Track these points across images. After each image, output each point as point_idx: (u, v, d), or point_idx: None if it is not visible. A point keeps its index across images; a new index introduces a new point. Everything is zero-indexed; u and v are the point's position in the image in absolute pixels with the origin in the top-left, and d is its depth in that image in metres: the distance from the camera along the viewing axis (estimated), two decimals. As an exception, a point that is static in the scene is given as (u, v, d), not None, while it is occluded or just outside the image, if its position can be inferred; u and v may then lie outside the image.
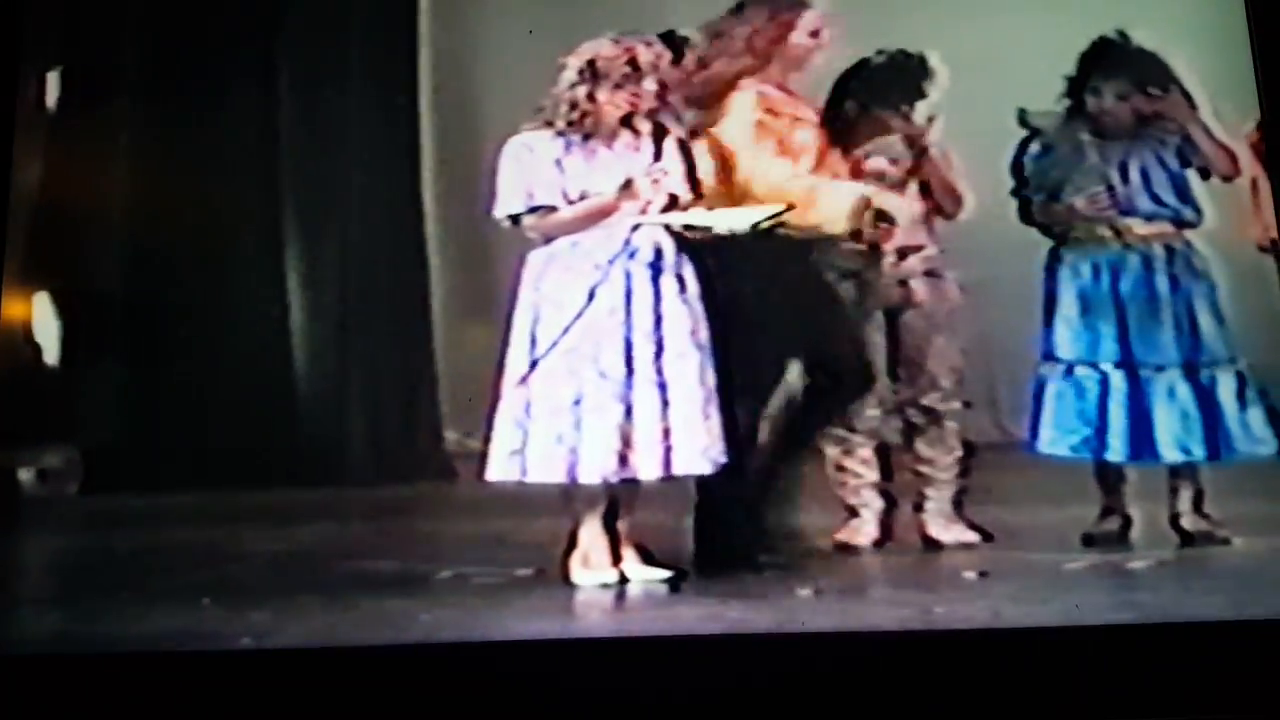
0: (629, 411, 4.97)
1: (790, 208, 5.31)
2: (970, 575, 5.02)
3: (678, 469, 4.98)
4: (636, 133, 5.09)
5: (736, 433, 5.01)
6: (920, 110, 5.40)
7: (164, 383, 6.00)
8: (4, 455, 5.28)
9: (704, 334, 5.03)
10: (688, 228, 5.08)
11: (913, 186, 5.44)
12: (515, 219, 5.11)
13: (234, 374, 6.03)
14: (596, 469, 4.96)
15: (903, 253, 5.41)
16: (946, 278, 5.44)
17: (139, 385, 6.01)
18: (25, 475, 5.41)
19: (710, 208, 5.10)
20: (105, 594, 4.96)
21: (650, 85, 5.06)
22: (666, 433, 4.97)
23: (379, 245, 6.35)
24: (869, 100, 5.42)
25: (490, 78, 6.20)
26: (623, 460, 4.96)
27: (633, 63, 5.05)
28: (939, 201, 5.44)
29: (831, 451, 5.43)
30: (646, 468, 4.97)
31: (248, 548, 5.43)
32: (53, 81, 5.96)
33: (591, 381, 4.98)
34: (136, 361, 5.98)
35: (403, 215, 6.32)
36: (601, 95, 5.05)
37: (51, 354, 5.37)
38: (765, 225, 5.13)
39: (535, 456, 4.98)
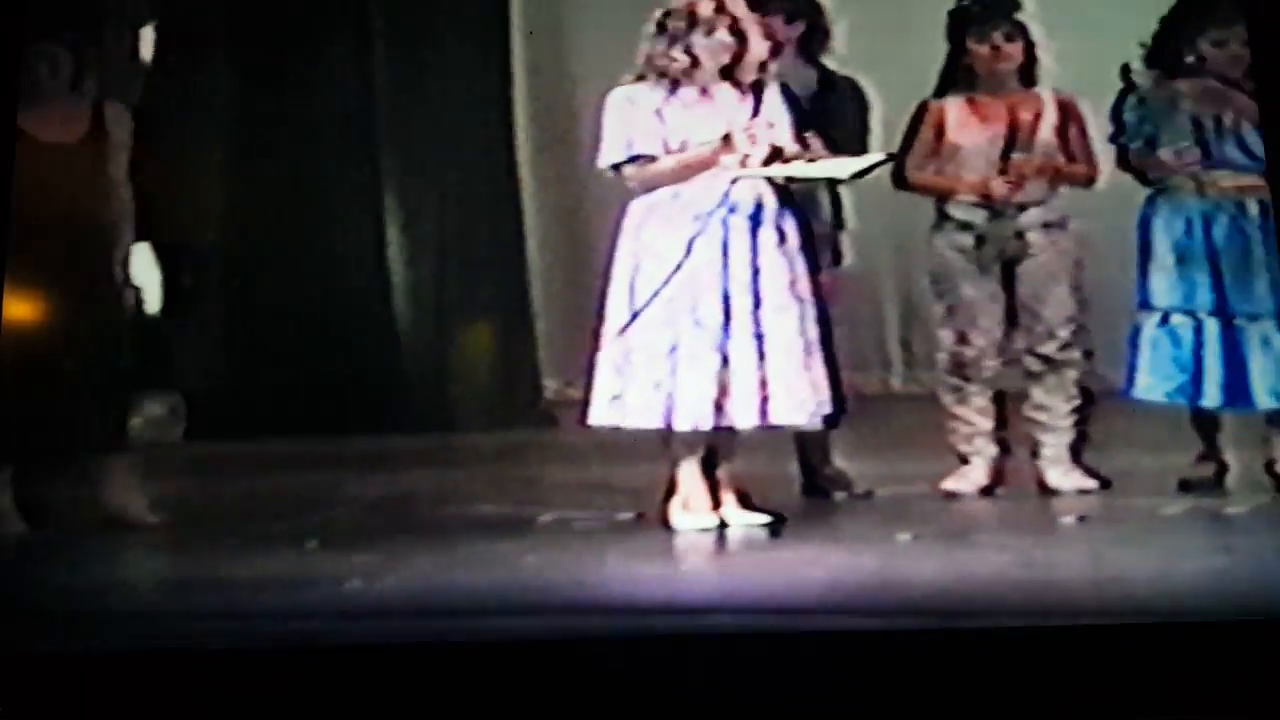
0: (725, 361, 5.01)
1: (890, 158, 5.35)
2: (1069, 521, 5.08)
3: (775, 419, 5.02)
4: (738, 84, 5.10)
5: (839, 384, 5.06)
6: (1034, 34, 5.44)
7: (267, 330, 6.10)
8: (111, 403, 5.34)
9: (804, 286, 5.06)
10: (789, 179, 5.11)
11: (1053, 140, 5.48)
12: (616, 168, 5.12)
13: (335, 322, 6.12)
14: (692, 415, 5.00)
15: (1022, 206, 5.45)
16: (1068, 229, 5.47)
17: (242, 332, 6.11)
18: (133, 422, 5.47)
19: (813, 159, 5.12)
20: (211, 539, 5.02)
21: (755, 35, 5.07)
22: (763, 383, 5.00)
23: (475, 196, 6.42)
24: (985, 37, 5.45)
25: (583, 30, 6.25)
26: (719, 408, 5.01)
27: (722, 10, 5.06)
28: (1073, 165, 5.48)
29: (947, 399, 5.48)
30: (743, 416, 5.01)
31: (352, 492, 5.50)
32: (147, 36, 6.02)
33: (687, 331, 5.02)
34: (239, 309, 6.08)
35: (498, 166, 6.39)
36: (699, 45, 5.06)
37: (153, 303, 5.42)
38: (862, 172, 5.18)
39: (634, 402, 5.03)
